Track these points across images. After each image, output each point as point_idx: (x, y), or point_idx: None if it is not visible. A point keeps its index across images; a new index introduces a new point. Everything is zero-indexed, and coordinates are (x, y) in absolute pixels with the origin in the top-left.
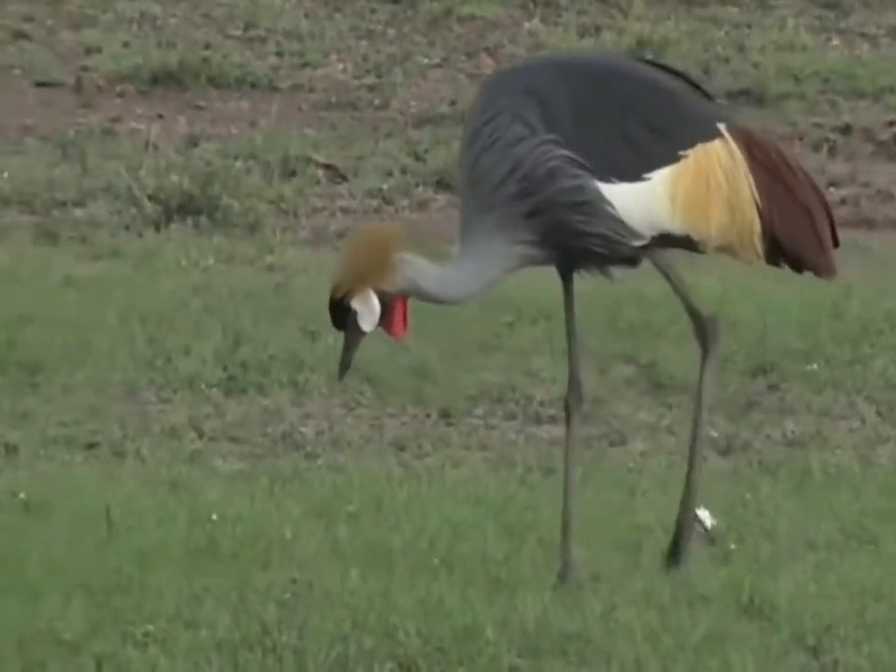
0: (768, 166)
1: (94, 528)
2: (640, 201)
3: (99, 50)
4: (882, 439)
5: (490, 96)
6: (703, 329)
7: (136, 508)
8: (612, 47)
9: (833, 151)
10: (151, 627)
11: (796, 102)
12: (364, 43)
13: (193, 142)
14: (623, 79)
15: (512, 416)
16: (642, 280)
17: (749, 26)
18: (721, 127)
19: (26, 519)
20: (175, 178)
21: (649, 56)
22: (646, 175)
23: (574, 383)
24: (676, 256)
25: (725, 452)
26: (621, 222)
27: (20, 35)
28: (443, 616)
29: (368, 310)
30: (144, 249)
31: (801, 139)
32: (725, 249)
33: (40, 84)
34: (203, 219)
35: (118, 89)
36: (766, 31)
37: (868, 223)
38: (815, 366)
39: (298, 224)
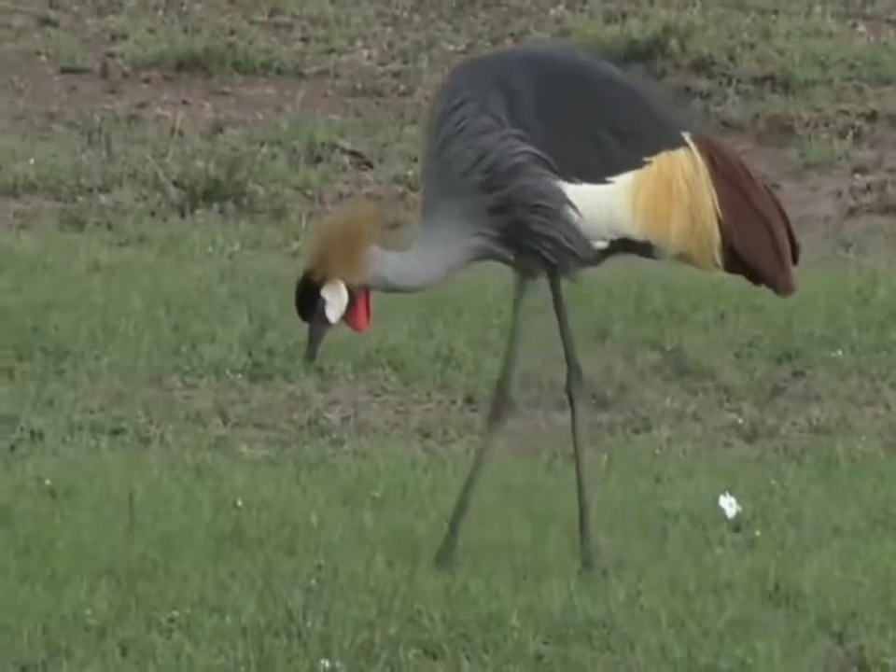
0: (730, 178)
1: (120, 514)
2: (602, 203)
3: (125, 37)
4: None
5: (458, 83)
6: (570, 379)
7: (161, 494)
8: (638, 33)
9: (858, 138)
10: (176, 613)
11: (822, 88)
12: (390, 29)
13: (219, 128)
14: (593, 80)
15: (538, 403)
16: (667, 265)
17: (775, 12)
18: (686, 136)
19: (52, 505)
20: (200, 164)
21: (621, 59)
22: (609, 179)
23: (504, 387)
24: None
25: (751, 438)
26: (576, 229)
27: (45, 22)
28: (468, 602)
29: (337, 300)
30: (169, 235)
31: (826, 125)
32: (684, 257)
33: (66, 70)
34: (229, 205)
35: (143, 75)
36: (792, 17)
37: (894, 209)
38: (840, 352)
39: (323, 210)
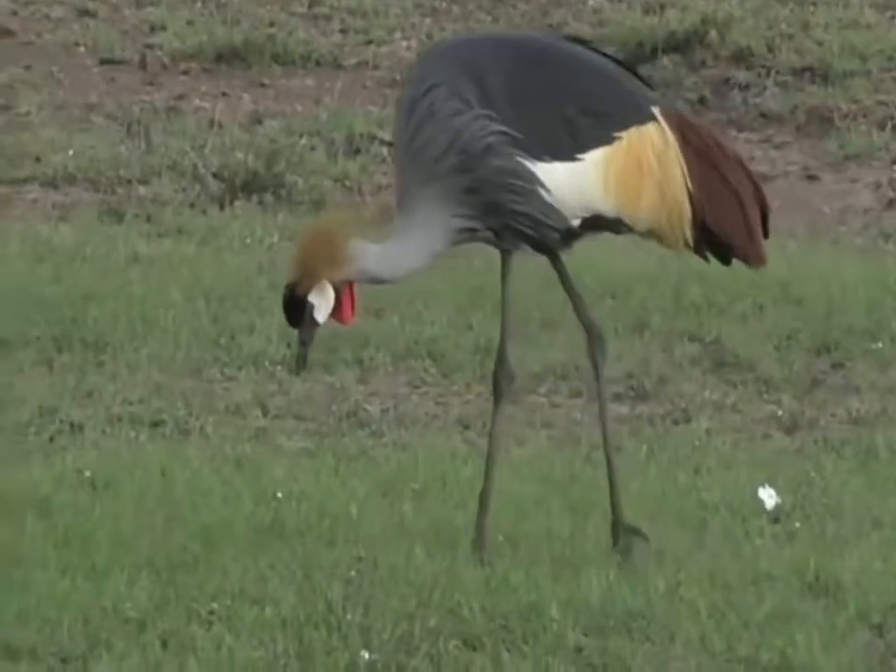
0: (701, 151)
1: (160, 506)
2: (573, 181)
3: (164, 28)
4: None
5: (427, 67)
6: (593, 343)
7: (201, 486)
8: (676, 24)
9: None
10: (216, 605)
11: (861, 79)
12: (428, 20)
13: (258, 119)
14: (560, 59)
15: (577, 394)
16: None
17: (813, 3)
18: (656, 111)
19: (92, 497)
20: (239, 156)
21: (587, 39)
22: (579, 156)
23: (503, 361)
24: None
25: (790, 430)
26: (550, 205)
27: (85, 13)
28: (508, 594)
29: (324, 301)
30: (208, 227)
31: (865, 116)
32: (654, 233)
33: (105, 62)
34: (268, 197)
35: (182, 66)
36: (831, 8)
37: None
38: (880, 344)
39: (362, 201)
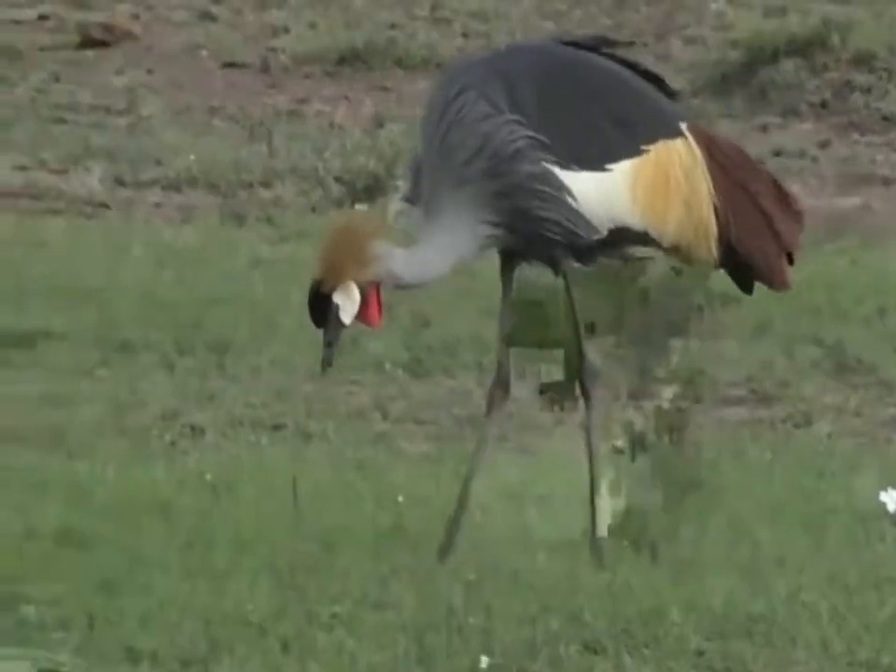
0: (728, 169)
1: (281, 509)
2: (600, 190)
3: (286, 31)
4: None
5: (456, 74)
6: (584, 379)
7: (322, 489)
8: (797, 28)
9: None
10: (338, 609)
11: None
12: (550, 24)
13: (379, 123)
14: (591, 70)
15: (700, 399)
16: (827, 261)
17: None
18: (683, 126)
19: (213, 500)
20: (360, 159)
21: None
22: (608, 166)
23: (501, 372)
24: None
25: None
26: (577, 212)
27: (207, 17)
28: (630, 598)
29: (350, 302)
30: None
31: None
32: (680, 249)
33: (227, 65)
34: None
35: (304, 70)
36: None
37: None
38: None
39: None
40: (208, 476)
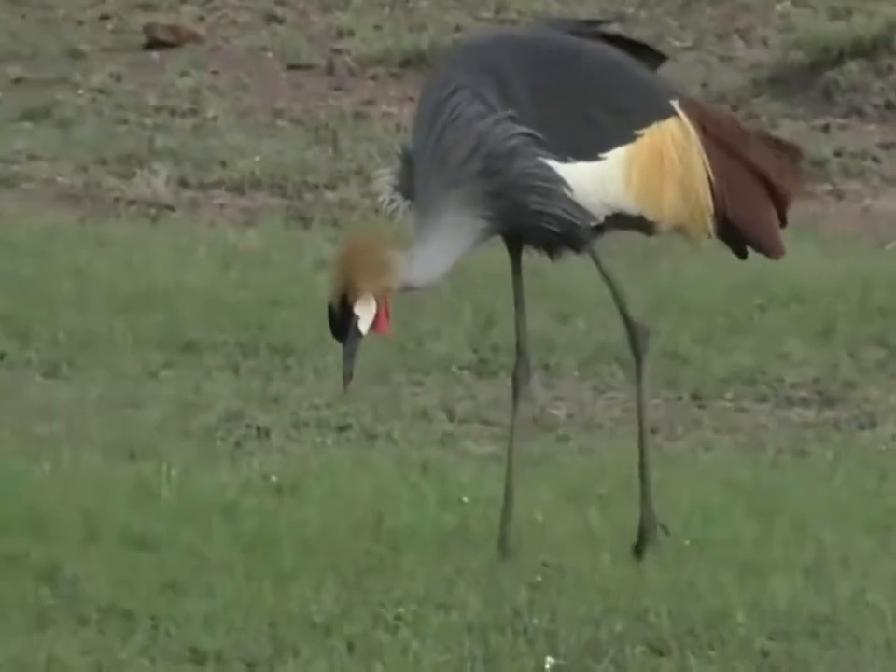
0: (722, 142)
1: (346, 510)
2: (596, 180)
3: (351, 33)
4: None
5: (450, 71)
6: (634, 337)
7: (387, 490)
8: (862, 29)
9: None
10: (402, 610)
11: None
12: (615, 26)
13: None
14: (580, 57)
15: (763, 399)
16: (891, 262)
17: None
18: (675, 103)
19: (278, 501)
20: None
21: (605, 28)
22: (602, 155)
23: (522, 358)
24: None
25: None
26: (575, 203)
27: (272, 18)
28: (694, 599)
29: (368, 313)
30: (396, 232)
31: None
32: (677, 229)
33: (292, 67)
34: None
35: (369, 72)
36: None
37: None
38: None
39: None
40: (273, 477)
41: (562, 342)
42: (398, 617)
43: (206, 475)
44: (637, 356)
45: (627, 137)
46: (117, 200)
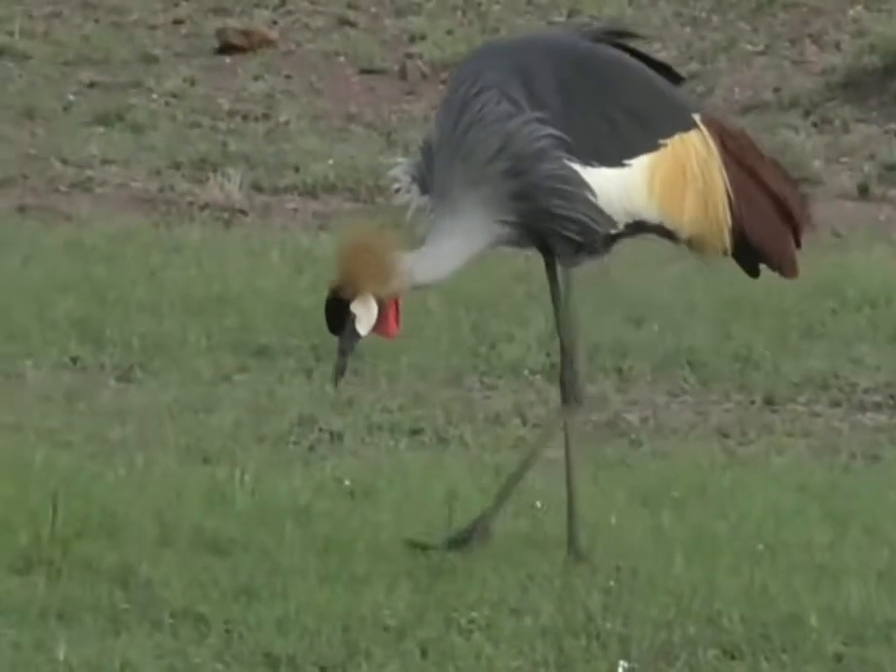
0: (741, 159)
1: (418, 514)
2: (619, 186)
3: (423, 37)
4: None
5: (478, 69)
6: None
7: (460, 494)
8: None
9: None
10: (476, 614)
11: None
12: (688, 30)
13: None
14: (608, 64)
15: (836, 403)
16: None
17: None
18: (697, 117)
19: (351, 505)
20: None
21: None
22: (626, 161)
23: (572, 364)
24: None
25: None
26: (597, 208)
27: (345, 23)
28: (767, 603)
29: (367, 314)
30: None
31: None
32: (694, 241)
33: (365, 71)
34: None
35: (442, 76)
36: None
37: None
38: None
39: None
40: (346, 481)
41: (635, 346)
42: (471, 621)
43: (280, 479)
44: (564, 387)
45: (651, 146)
46: (190, 204)
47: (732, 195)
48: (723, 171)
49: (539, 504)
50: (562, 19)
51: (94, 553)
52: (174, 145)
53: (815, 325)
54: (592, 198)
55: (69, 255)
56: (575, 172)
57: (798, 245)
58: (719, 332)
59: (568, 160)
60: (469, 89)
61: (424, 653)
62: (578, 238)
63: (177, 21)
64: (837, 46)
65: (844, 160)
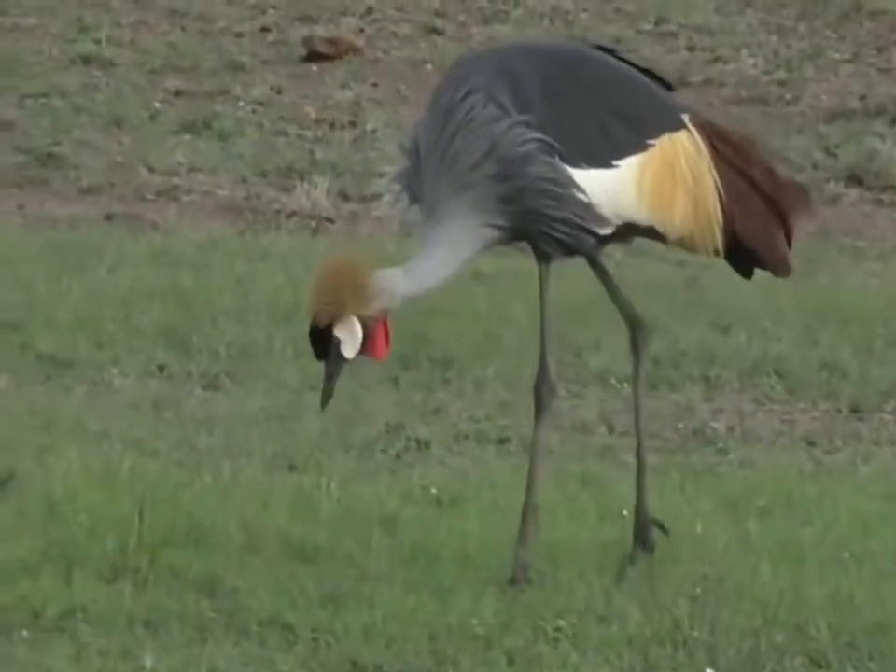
0: (731, 159)
1: (505, 523)
2: (608, 187)
3: None
4: None
5: (463, 74)
6: (634, 334)
7: (546, 503)
8: None
9: None
10: (562, 622)
11: None
12: (774, 38)
13: None
14: (593, 66)
15: None
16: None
17: None
18: (686, 118)
19: (438, 514)
20: None
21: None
22: (615, 163)
23: (544, 372)
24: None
25: None
26: (588, 208)
27: (432, 30)
28: (854, 611)
29: (351, 337)
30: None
31: None
32: (685, 241)
33: None
34: None
35: None
36: None
37: None
38: None
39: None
40: (433, 490)
41: (722, 354)
42: (558, 629)
43: (366, 487)
44: (635, 353)
45: (640, 146)
46: (277, 212)
47: (723, 195)
48: (713, 170)
49: (625, 512)
50: (650, 27)
51: (181, 562)
52: (260, 153)
53: None
54: (582, 198)
55: (156, 263)
56: (563, 173)
57: (790, 245)
58: (805, 340)
59: (556, 162)
60: (455, 93)
61: (511, 662)
62: (568, 240)
63: (264, 29)
64: None
65: None
